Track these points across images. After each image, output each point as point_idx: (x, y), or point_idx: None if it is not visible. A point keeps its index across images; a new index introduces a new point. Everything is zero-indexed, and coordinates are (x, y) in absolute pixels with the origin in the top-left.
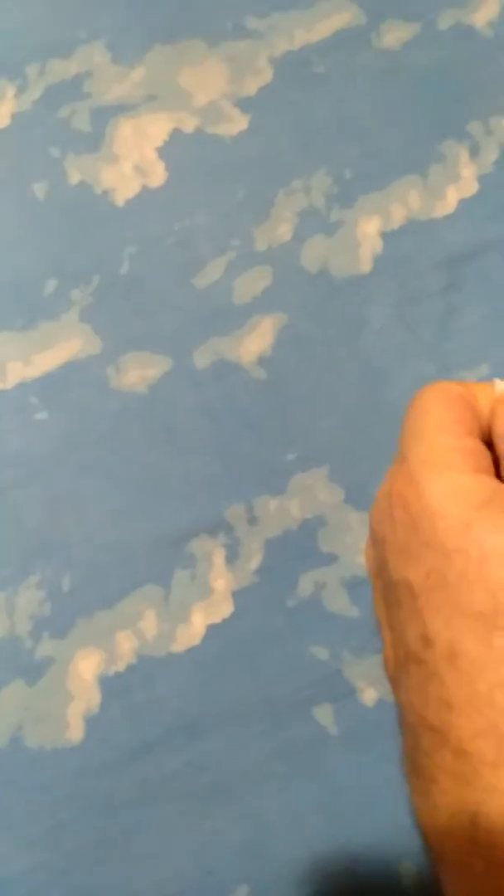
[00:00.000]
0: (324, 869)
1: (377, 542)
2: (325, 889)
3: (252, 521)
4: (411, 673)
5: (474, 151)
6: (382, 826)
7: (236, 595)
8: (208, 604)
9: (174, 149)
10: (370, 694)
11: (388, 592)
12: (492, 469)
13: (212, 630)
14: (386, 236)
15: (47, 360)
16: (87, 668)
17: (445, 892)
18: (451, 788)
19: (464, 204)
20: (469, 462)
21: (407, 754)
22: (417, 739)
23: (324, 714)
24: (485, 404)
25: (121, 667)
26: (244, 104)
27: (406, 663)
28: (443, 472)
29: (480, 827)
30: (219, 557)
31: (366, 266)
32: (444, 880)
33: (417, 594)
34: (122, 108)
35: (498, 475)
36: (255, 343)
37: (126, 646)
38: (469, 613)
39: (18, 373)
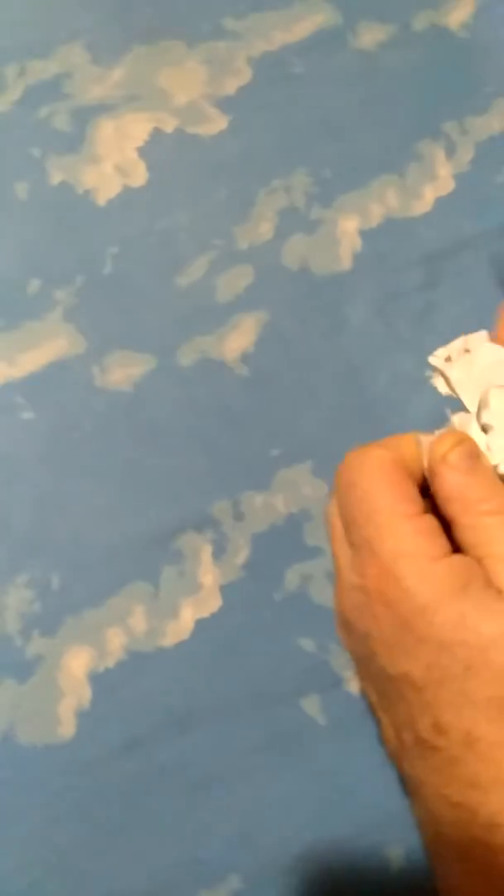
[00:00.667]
0: (314, 856)
1: (359, 636)
2: (316, 876)
3: (238, 516)
4: (427, 757)
5: (450, 151)
6: (371, 812)
7: (224, 589)
8: (197, 599)
9: (155, 149)
10: (357, 684)
11: (383, 684)
12: (445, 537)
13: (200, 624)
14: (365, 234)
15: (32, 360)
16: (77, 665)
17: None
18: (484, 863)
19: (441, 202)
20: (436, 545)
21: (424, 823)
22: (438, 819)
23: (311, 705)
24: (410, 457)
25: (111, 663)
26: (224, 104)
27: (419, 748)
28: (419, 563)
29: None
30: (206, 553)
31: (346, 264)
32: None
33: (422, 687)
34: (103, 109)
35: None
36: (237, 341)
37: (115, 642)
38: (480, 700)
39: (3, 373)
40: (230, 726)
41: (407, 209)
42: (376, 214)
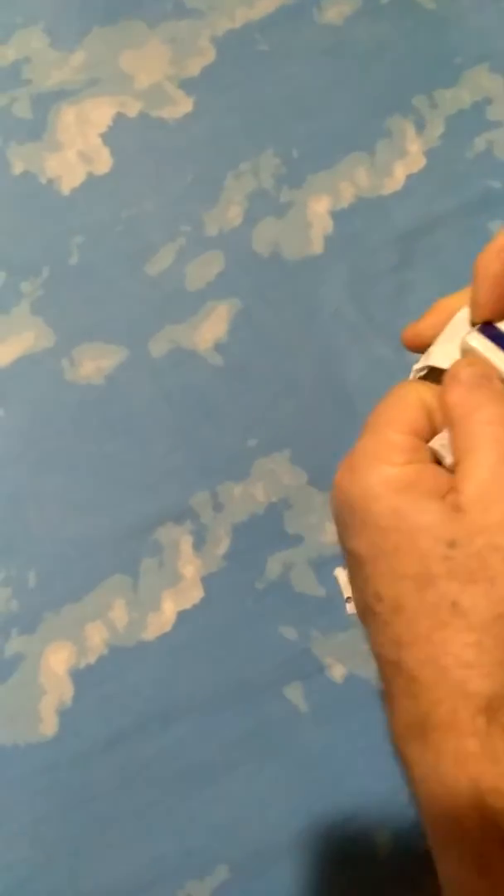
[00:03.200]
0: (301, 844)
1: (333, 518)
2: (304, 863)
3: (217, 507)
4: (370, 622)
5: (420, 126)
6: (356, 797)
7: (206, 580)
8: (178, 590)
9: (118, 134)
10: (339, 670)
11: (347, 557)
12: (426, 461)
13: (182, 616)
14: (336, 215)
15: (1, 356)
16: (57, 662)
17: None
18: (407, 706)
19: (412, 179)
20: (403, 456)
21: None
22: (382, 670)
23: (294, 692)
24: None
25: (92, 659)
26: (188, 85)
27: (366, 614)
28: (376, 465)
29: (428, 726)
30: (186, 544)
31: (317, 247)
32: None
33: (365, 561)
34: (64, 94)
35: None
36: (210, 330)
37: (96, 638)
38: (405, 576)
39: None
40: (214, 717)
41: (378, 188)
42: (347, 194)
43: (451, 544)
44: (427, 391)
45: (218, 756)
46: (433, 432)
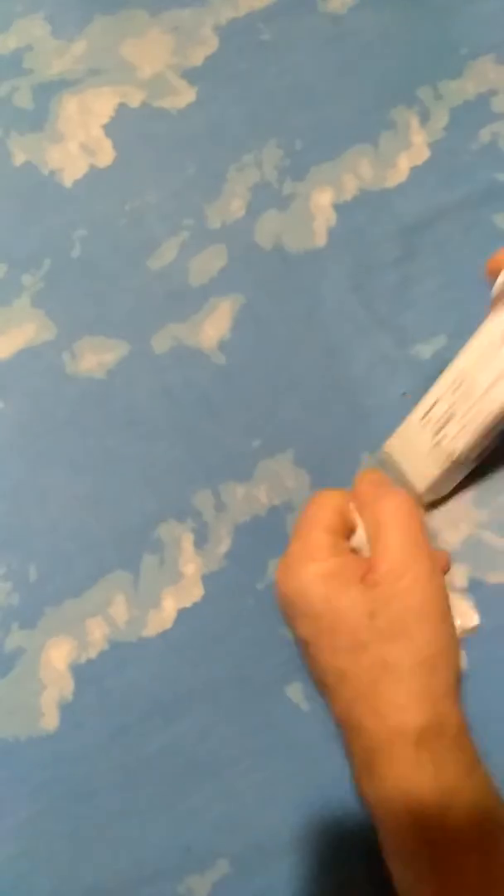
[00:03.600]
0: (301, 839)
1: (280, 612)
2: (304, 858)
3: (220, 507)
4: (324, 692)
5: (424, 117)
6: (355, 795)
7: (206, 579)
8: (178, 588)
9: (121, 125)
10: None
11: (296, 643)
12: (345, 552)
13: (183, 614)
14: (339, 208)
15: (1, 348)
16: (58, 656)
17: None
18: (358, 751)
19: (416, 172)
20: (326, 552)
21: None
22: (341, 728)
23: (295, 691)
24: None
25: (92, 654)
26: (190, 75)
27: (320, 686)
28: (306, 562)
29: (374, 763)
30: (187, 542)
31: (320, 240)
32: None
33: (308, 643)
34: (66, 84)
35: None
36: (213, 327)
37: (97, 633)
38: (342, 648)
39: None
40: (214, 715)
41: (381, 180)
42: (350, 187)
43: (372, 614)
44: (340, 497)
45: (219, 752)
46: (348, 528)
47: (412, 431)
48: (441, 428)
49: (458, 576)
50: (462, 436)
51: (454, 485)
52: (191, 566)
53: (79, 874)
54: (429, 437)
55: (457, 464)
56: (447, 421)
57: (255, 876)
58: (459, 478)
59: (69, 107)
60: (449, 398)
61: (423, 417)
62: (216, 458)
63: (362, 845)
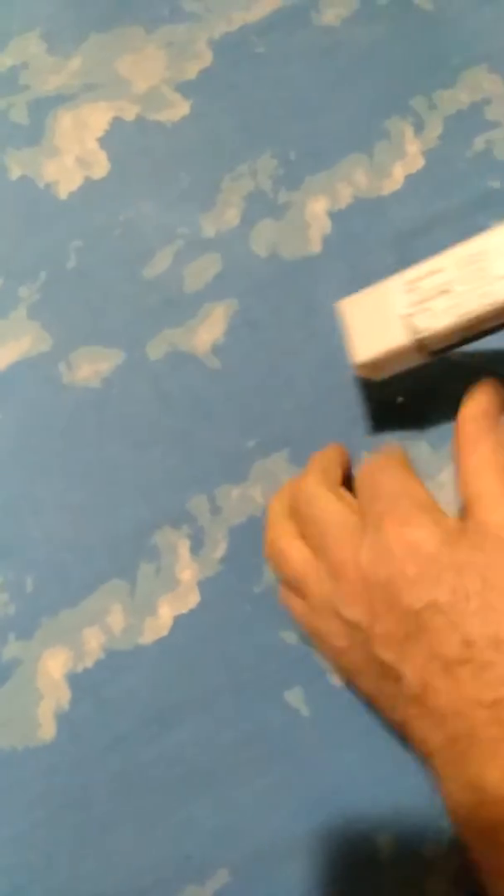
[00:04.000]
0: (302, 848)
1: (378, 587)
2: (305, 867)
3: (215, 510)
4: (456, 675)
5: (419, 127)
6: (358, 801)
7: (202, 585)
8: (175, 595)
9: (116, 138)
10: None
11: (406, 625)
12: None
13: (179, 620)
14: (334, 216)
15: None
16: (55, 666)
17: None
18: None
19: (410, 180)
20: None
21: (451, 779)
22: (472, 725)
23: (295, 697)
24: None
25: (89, 663)
26: (185, 89)
27: (446, 673)
28: (428, 519)
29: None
30: (183, 548)
31: (315, 247)
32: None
33: (448, 609)
34: (61, 99)
35: None
36: (208, 332)
37: (93, 642)
38: (502, 607)
39: None
40: (213, 722)
41: (376, 189)
42: (345, 195)
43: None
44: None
45: (218, 759)
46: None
47: (385, 294)
48: (427, 300)
49: None
50: (446, 316)
51: (392, 373)
52: (187, 572)
53: (77, 885)
54: (403, 306)
55: (419, 345)
56: (439, 294)
57: (256, 885)
58: (403, 367)
59: (65, 121)
60: (453, 272)
61: (411, 283)
62: (211, 462)
63: (364, 853)
